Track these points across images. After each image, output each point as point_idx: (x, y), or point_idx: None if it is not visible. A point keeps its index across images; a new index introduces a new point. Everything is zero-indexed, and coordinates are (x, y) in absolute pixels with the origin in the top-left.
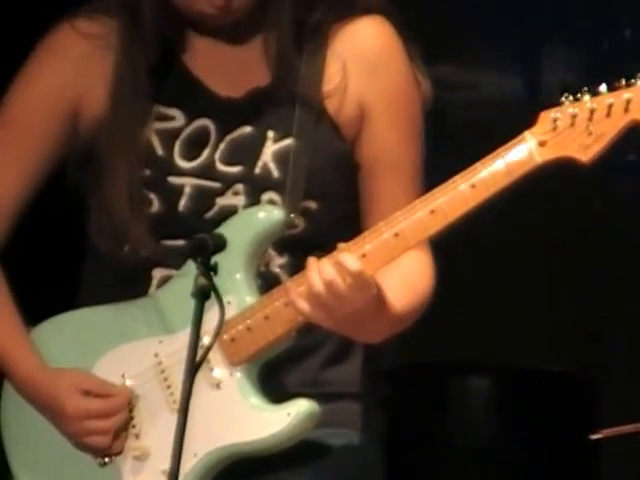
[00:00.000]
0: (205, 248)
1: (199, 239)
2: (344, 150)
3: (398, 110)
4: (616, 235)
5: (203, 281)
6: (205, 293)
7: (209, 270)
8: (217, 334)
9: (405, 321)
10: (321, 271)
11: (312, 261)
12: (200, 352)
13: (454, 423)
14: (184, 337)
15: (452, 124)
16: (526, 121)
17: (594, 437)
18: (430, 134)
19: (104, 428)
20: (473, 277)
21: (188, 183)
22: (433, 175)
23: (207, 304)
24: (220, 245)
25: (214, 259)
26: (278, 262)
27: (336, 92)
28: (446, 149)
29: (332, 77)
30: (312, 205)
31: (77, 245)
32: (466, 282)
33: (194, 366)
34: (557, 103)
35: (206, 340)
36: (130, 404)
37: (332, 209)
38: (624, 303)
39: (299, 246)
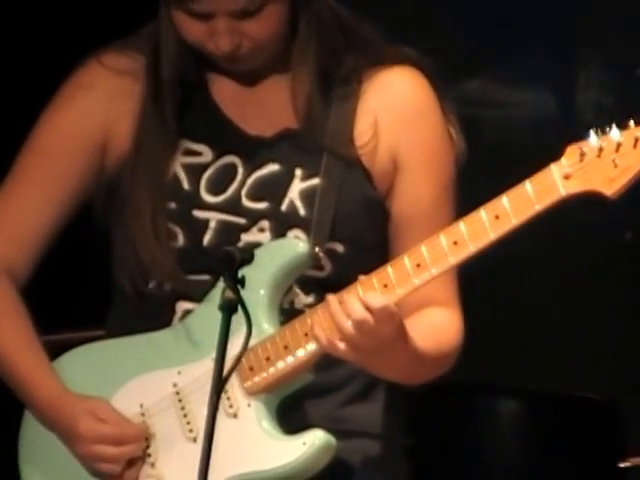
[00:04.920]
0: (233, 261)
1: (226, 252)
2: (375, 197)
3: (432, 162)
4: None
5: (230, 294)
6: (232, 306)
7: (236, 283)
8: (245, 348)
9: (426, 364)
10: (351, 312)
11: (333, 300)
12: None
13: (480, 447)
14: (202, 367)
15: (482, 142)
16: (558, 140)
17: (623, 465)
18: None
19: (114, 455)
20: (501, 301)
21: (213, 218)
22: (462, 193)
23: (231, 330)
24: (247, 259)
25: (241, 272)
26: (304, 301)
27: (369, 144)
28: (475, 167)
29: (364, 128)
30: (339, 248)
31: (105, 278)
32: (494, 305)
33: (221, 381)
34: (584, 136)
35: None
36: (147, 433)
37: (360, 253)
38: None
39: (325, 288)
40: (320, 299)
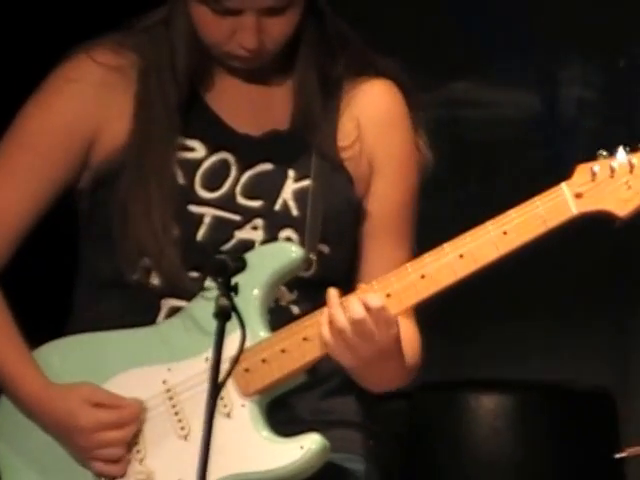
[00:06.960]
0: (225, 269)
1: (219, 260)
2: (356, 199)
3: (402, 170)
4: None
5: (224, 301)
6: (226, 313)
7: (230, 290)
8: (239, 355)
9: (410, 374)
10: (351, 312)
11: (333, 296)
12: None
13: (474, 441)
14: (193, 365)
15: (468, 143)
16: (542, 139)
17: (618, 456)
18: (446, 152)
19: (117, 438)
20: (492, 295)
21: (208, 213)
22: (451, 193)
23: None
24: (240, 266)
25: (234, 280)
26: (288, 298)
27: (351, 149)
28: (462, 168)
29: (348, 133)
30: (324, 249)
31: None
32: (485, 301)
33: (216, 388)
34: (593, 157)
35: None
36: (142, 410)
37: (343, 253)
38: None
39: (310, 285)
40: (304, 296)
